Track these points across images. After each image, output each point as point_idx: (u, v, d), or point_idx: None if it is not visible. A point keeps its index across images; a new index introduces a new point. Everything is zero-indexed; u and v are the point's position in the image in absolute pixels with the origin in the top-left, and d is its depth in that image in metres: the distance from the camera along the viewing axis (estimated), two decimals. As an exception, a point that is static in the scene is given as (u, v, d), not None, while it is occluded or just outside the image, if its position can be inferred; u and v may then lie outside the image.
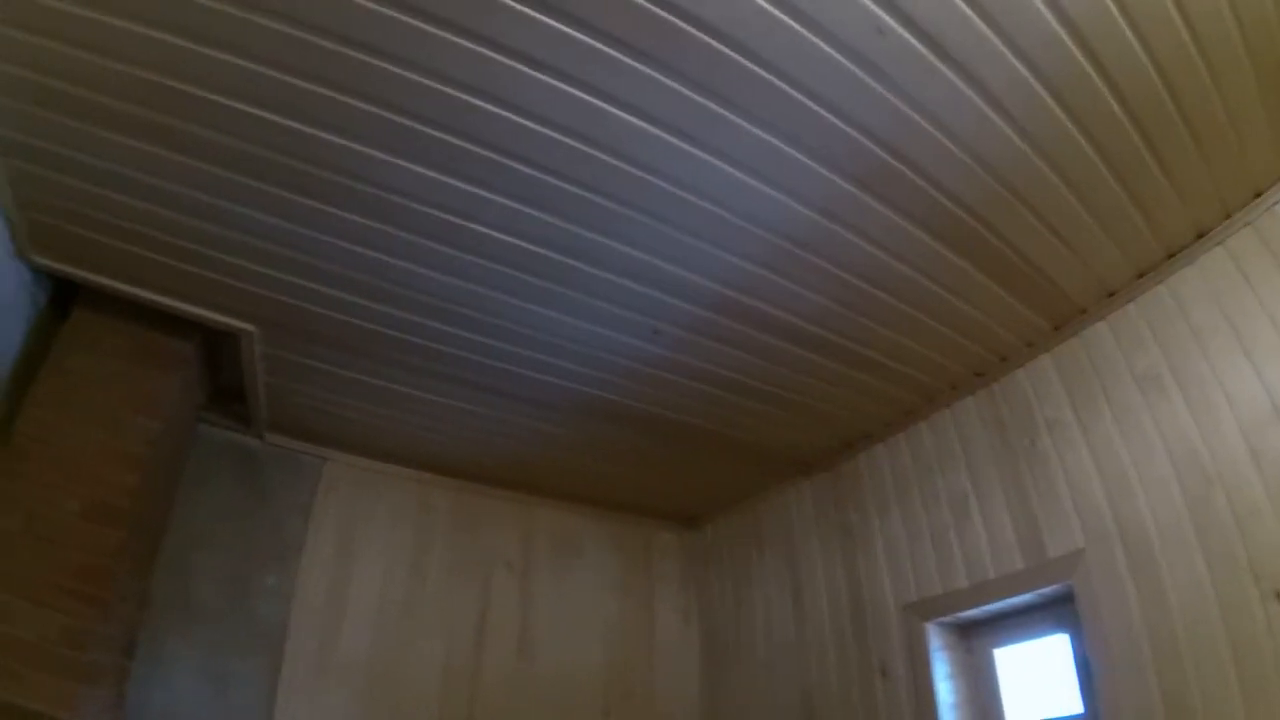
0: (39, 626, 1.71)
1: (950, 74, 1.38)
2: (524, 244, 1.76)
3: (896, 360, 2.16)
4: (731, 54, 1.32)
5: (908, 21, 1.28)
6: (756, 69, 1.35)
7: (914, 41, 1.32)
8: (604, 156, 1.53)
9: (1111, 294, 1.93)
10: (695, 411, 2.40)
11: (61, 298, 2.07)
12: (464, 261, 1.81)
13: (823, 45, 1.31)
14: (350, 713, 2.26)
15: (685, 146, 1.51)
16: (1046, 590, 1.92)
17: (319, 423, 2.45)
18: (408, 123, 1.45)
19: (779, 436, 2.56)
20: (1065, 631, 1.94)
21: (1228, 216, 1.72)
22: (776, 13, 1.26)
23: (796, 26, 1.28)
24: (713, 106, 1.42)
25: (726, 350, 2.11)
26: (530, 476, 2.80)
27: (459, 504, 2.74)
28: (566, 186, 1.60)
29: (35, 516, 1.79)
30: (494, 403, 2.37)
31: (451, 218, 1.68)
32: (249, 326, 2.02)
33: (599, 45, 1.31)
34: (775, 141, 1.50)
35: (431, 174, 1.57)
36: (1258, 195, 1.67)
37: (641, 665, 2.84)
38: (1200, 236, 1.77)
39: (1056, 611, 1.97)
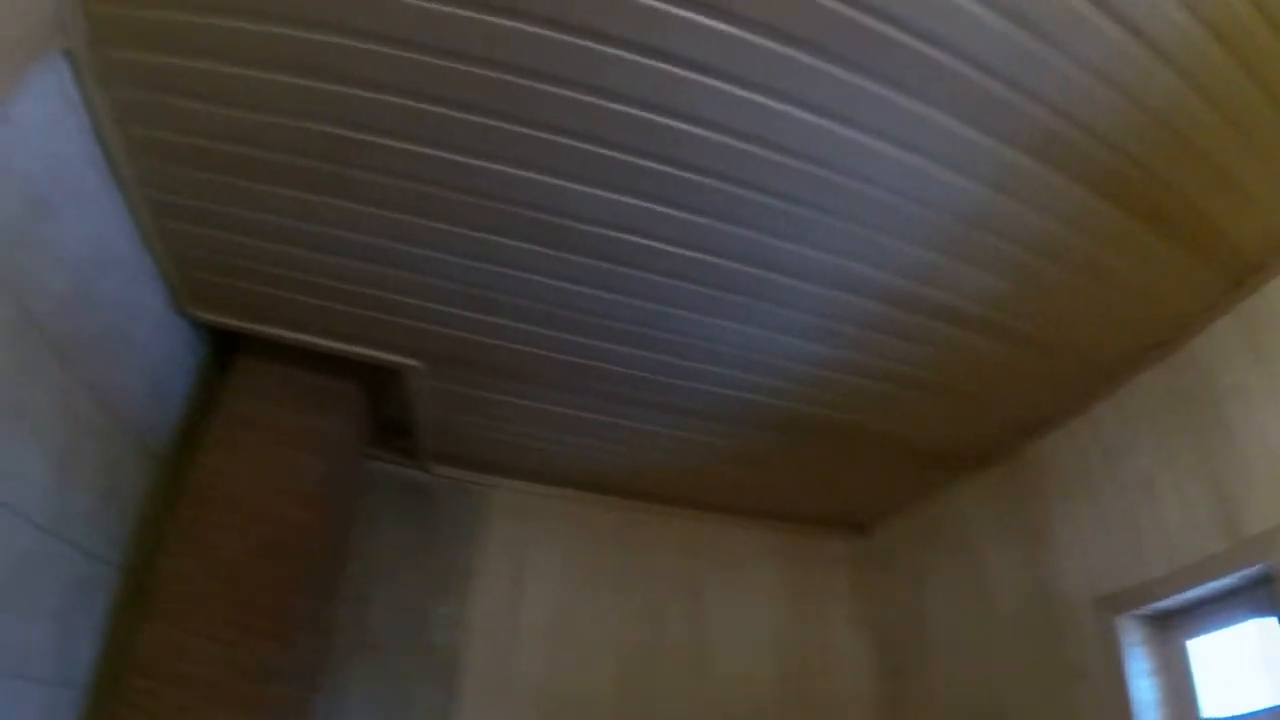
0: (219, 664, 1.80)
1: (1111, 27, 1.31)
2: (700, 255, 1.76)
3: (1069, 339, 2.04)
4: (891, 30, 1.29)
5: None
6: (918, 44, 1.31)
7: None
8: (775, 156, 1.52)
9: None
10: (864, 411, 2.35)
11: (224, 347, 2.20)
12: (636, 279, 1.83)
13: (982, 10, 1.27)
14: None
15: (855, 135, 1.48)
16: (1246, 572, 1.75)
17: (484, 451, 2.53)
18: (577, 144, 1.48)
19: (950, 431, 2.48)
20: (1266, 615, 1.77)
21: None
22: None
23: (953, -6, 1.24)
24: (878, 89, 1.39)
25: (896, 344, 2.05)
26: (695, 491, 2.81)
27: (625, 523, 2.76)
28: (740, 192, 1.59)
29: (214, 558, 1.90)
30: (660, 419, 2.39)
31: (625, 235, 1.71)
32: (413, 362, 2.09)
33: (762, 41, 1.30)
34: (944, 118, 1.45)
35: (602, 193, 1.60)
36: None
37: (814, 677, 2.80)
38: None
39: (1255, 595, 1.79)
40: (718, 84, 1.37)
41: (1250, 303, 1.86)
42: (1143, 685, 1.93)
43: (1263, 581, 1.74)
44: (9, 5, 1.21)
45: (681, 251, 1.73)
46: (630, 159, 1.52)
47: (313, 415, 2.16)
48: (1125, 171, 1.58)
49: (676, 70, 1.34)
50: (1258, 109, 1.47)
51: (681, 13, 1.24)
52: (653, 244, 1.71)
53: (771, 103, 1.41)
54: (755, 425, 2.39)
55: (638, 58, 1.31)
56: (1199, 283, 1.87)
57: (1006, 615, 2.41)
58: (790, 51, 1.32)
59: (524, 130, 1.46)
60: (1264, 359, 1.81)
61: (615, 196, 1.60)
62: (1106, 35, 1.32)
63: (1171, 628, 2.00)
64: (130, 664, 1.76)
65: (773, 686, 2.68)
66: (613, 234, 1.69)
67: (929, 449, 2.56)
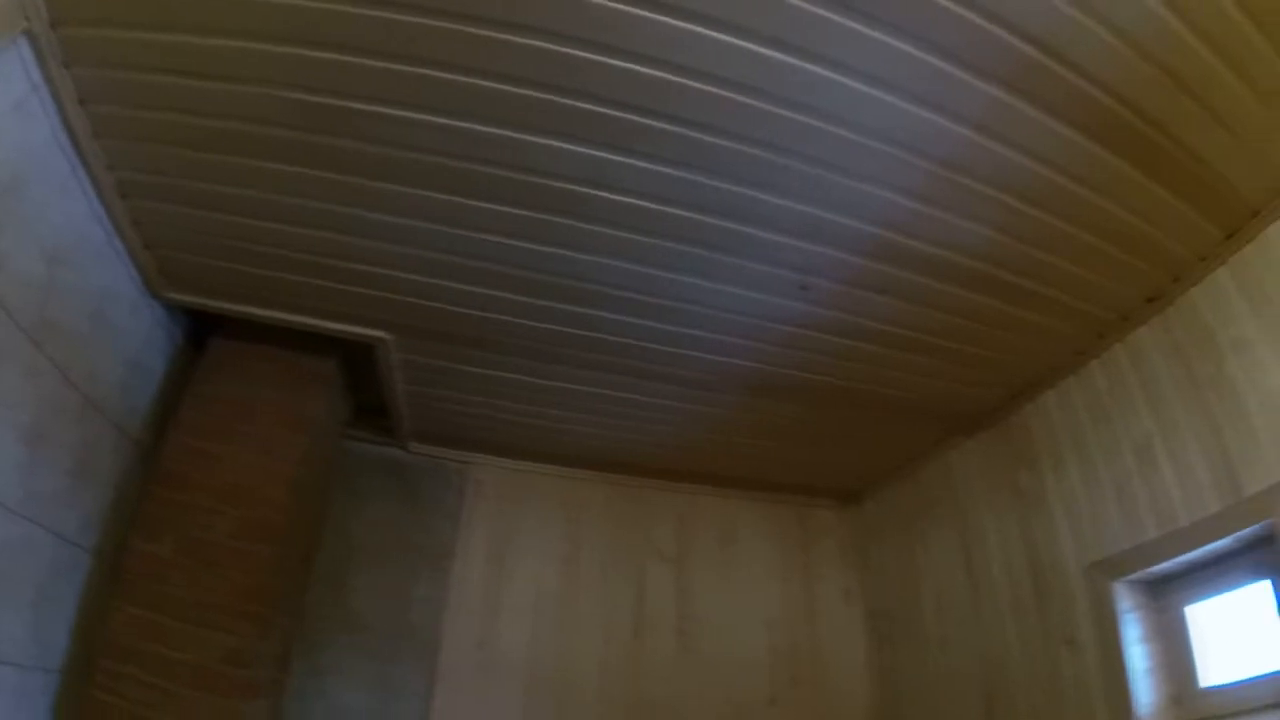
0: (200, 647, 1.79)
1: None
2: (672, 210, 1.67)
3: (1061, 291, 1.94)
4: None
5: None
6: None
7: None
8: (744, 99, 1.43)
9: (1293, 183, 1.67)
10: (848, 373, 2.26)
11: (199, 328, 2.18)
12: (606, 237, 1.75)
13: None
14: (510, 711, 2.26)
15: (831, 74, 1.39)
16: (1244, 533, 1.66)
17: (462, 427, 2.49)
18: (541, 95, 1.42)
19: (938, 392, 2.38)
20: (1266, 578, 1.70)
21: None
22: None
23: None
24: (854, 25, 1.30)
25: (878, 299, 1.96)
26: (680, 462, 2.76)
27: (608, 497, 2.74)
28: (710, 139, 1.51)
29: (192, 540, 1.89)
30: (637, 386, 2.34)
31: (593, 190, 1.62)
32: (383, 334, 2.05)
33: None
34: (924, 55, 1.36)
35: (567, 146, 1.52)
36: None
37: (806, 649, 2.76)
38: None
39: (1255, 557, 1.72)
40: (683, 24, 1.30)
41: (1246, 254, 1.76)
42: (1137, 653, 1.87)
43: (1264, 541, 1.67)
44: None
45: (653, 206, 1.65)
46: (596, 108, 1.45)
47: (289, 394, 2.14)
48: (1115, 112, 1.48)
49: (640, 12, 1.27)
50: (1253, 45, 1.37)
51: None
52: (622, 199, 1.64)
53: (740, 42, 1.33)
54: (739, 390, 2.32)
55: (602, 1, 1.25)
56: (1195, 231, 1.76)
57: (1000, 583, 2.34)
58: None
59: (488, 84, 1.40)
60: (1263, 312, 1.71)
61: (581, 149, 1.53)
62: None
63: (1168, 594, 1.93)
64: (105, 647, 1.75)
65: (764, 658, 2.64)
66: (580, 189, 1.61)
67: (917, 411, 2.47)
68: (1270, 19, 1.32)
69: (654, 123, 1.47)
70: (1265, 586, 1.69)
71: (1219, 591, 1.81)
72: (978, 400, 2.42)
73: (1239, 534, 1.68)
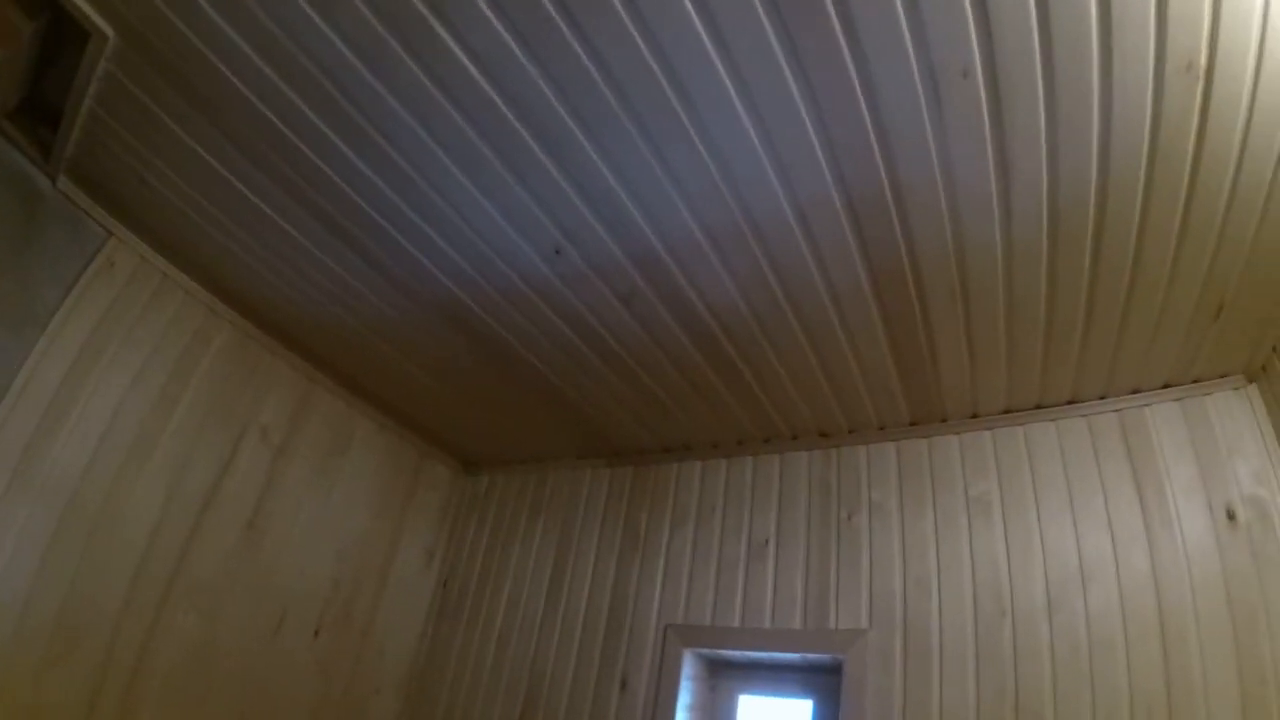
0: None
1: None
2: (493, 92, 1.37)
3: (764, 389, 2.10)
4: None
5: None
6: None
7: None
8: (645, 52, 1.26)
9: (975, 415, 2.06)
10: (544, 354, 2.12)
11: None
12: (411, 76, 1.35)
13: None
14: (36, 535, 1.68)
15: (730, 84, 1.28)
16: (814, 657, 1.97)
17: (126, 188, 1.77)
18: None
19: (608, 416, 2.38)
20: (811, 698, 2.02)
21: (1102, 397, 1.91)
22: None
23: None
24: (778, 57, 1.23)
25: (615, 306, 1.87)
26: (331, 352, 2.27)
27: (238, 347, 2.14)
28: (580, 52, 1.27)
29: None
30: (348, 260, 1.86)
31: (431, 16, 1.25)
32: (107, 28, 1.35)
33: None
34: (806, 120, 1.33)
35: None
36: (1135, 391, 1.88)
37: (369, 593, 2.49)
38: (1071, 402, 1.95)
39: (813, 678, 2.04)
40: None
41: (918, 444, 2.15)
42: (682, 716, 2.06)
43: (827, 670, 1.97)
44: None
45: (475, 71, 1.32)
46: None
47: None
48: (903, 280, 1.66)
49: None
50: (993, 318, 1.68)
51: None
52: (452, 44, 1.28)
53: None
54: (440, 316, 1.96)
55: None
56: (891, 406, 2.10)
57: (579, 606, 2.40)
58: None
59: None
60: (908, 493, 2.09)
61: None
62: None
63: (728, 678, 2.19)
64: None
65: (325, 584, 2.27)
66: (421, 8, 1.22)
67: (579, 422, 2.46)
68: (1027, 295, 1.60)
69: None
70: (807, 705, 1.99)
71: (772, 694, 2.09)
72: (635, 438, 2.50)
73: (810, 656, 1.96)
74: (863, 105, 1.28)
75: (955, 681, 1.76)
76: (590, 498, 2.62)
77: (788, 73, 1.24)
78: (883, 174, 1.41)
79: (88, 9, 1.39)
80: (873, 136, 1.34)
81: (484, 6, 1.22)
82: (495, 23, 1.24)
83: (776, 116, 1.32)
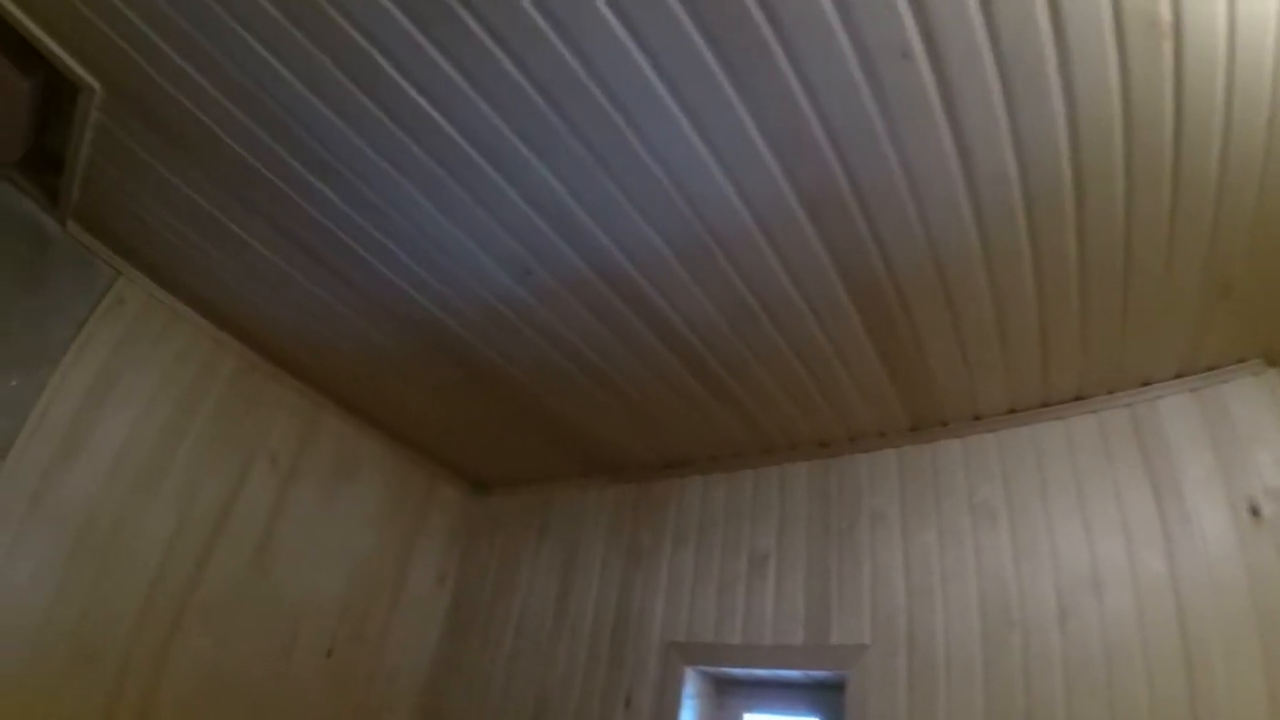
0: None
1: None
2: (445, 124, 1.39)
3: (754, 400, 2.06)
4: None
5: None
6: None
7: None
8: (579, 70, 1.26)
9: (977, 417, 1.97)
10: (531, 374, 2.13)
11: None
12: (367, 114, 1.40)
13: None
14: (52, 561, 1.77)
15: (666, 93, 1.28)
16: (818, 674, 1.91)
17: (129, 229, 1.89)
18: None
19: (603, 432, 2.37)
20: (818, 715, 1.94)
21: (1110, 392, 1.81)
22: None
23: None
24: (708, 62, 1.21)
25: (592, 322, 1.87)
26: (333, 378, 2.34)
27: (245, 375, 2.24)
28: (518, 75, 1.28)
29: None
30: (333, 287, 1.93)
31: (379, 56, 1.29)
32: (94, 82, 1.46)
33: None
34: (745, 119, 1.30)
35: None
36: (1146, 384, 1.77)
37: (381, 614, 2.52)
38: (1078, 399, 1.85)
39: (818, 695, 1.97)
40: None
41: (919, 450, 2.07)
42: (685, 735, 2.01)
43: (831, 687, 1.89)
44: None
45: (429, 108, 1.36)
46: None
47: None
48: (882, 287, 1.62)
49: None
50: (981, 304, 1.61)
51: None
52: (403, 83, 1.32)
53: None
54: (426, 340, 2.01)
55: None
56: (889, 411, 2.03)
57: (584, 624, 2.38)
58: None
59: None
60: (909, 501, 2.01)
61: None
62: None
63: (732, 695, 2.13)
64: None
65: (336, 606, 2.32)
66: (367, 47, 1.26)
67: (574, 439, 2.44)
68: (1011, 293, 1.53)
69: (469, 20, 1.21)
70: (813, 722, 1.92)
71: (777, 711, 2.02)
72: (632, 454, 2.48)
73: (813, 673, 1.89)
74: (801, 99, 1.25)
75: (962, 697, 1.67)
76: (595, 516, 2.60)
77: (716, 69, 1.22)
78: (838, 173, 1.37)
79: (75, 65, 1.48)
80: (819, 132, 1.30)
81: (426, 44, 1.25)
82: (437, 58, 1.27)
83: (714, 118, 1.30)
